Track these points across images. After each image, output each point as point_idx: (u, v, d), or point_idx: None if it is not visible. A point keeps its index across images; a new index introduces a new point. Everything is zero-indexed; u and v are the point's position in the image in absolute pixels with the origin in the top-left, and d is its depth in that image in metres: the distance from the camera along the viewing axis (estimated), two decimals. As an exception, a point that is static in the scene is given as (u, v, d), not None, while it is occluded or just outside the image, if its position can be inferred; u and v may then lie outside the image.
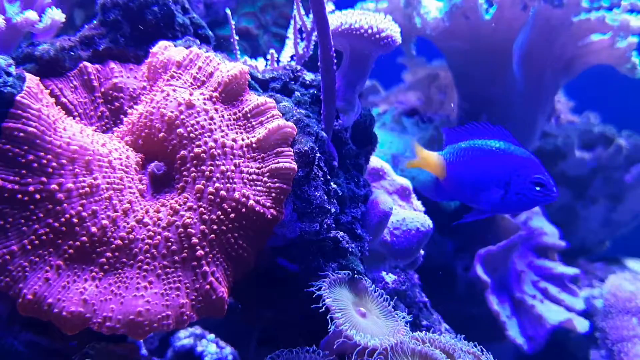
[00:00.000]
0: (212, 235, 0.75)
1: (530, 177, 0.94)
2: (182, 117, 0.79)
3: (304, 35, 1.11)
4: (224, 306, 0.73)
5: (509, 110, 1.87)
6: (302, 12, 1.09)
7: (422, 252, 1.25)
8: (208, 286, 0.73)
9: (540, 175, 0.95)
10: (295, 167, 0.78)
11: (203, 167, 0.77)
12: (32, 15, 0.95)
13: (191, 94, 0.81)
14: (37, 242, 0.69)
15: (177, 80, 0.84)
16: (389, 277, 1.17)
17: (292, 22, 1.12)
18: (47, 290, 0.68)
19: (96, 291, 0.69)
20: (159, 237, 0.74)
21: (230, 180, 0.77)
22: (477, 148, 0.98)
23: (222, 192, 0.76)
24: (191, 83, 0.83)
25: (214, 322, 1.17)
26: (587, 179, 2.15)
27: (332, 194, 0.89)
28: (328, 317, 0.77)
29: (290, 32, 1.13)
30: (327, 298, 0.79)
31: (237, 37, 1.15)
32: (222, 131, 0.79)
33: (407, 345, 0.79)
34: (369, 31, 0.96)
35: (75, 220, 0.70)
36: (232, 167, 0.77)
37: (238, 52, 1.17)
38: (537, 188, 0.94)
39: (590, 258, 2.18)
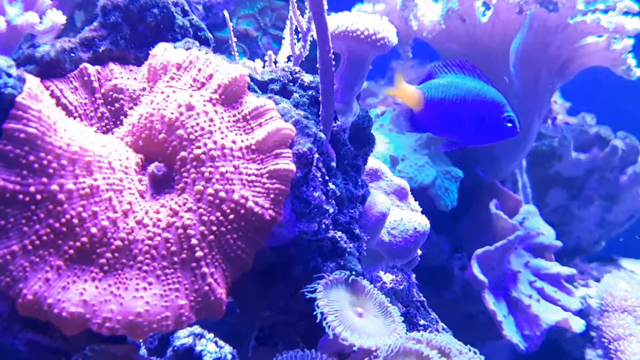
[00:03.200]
0: (211, 236, 0.75)
1: (502, 114, 1.05)
2: (182, 118, 0.80)
3: (300, 35, 1.12)
4: (222, 307, 0.74)
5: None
6: (298, 12, 1.10)
7: (419, 252, 1.26)
8: (207, 287, 0.74)
9: (510, 113, 1.06)
10: (294, 168, 0.79)
11: (203, 169, 0.78)
12: (32, 16, 0.95)
13: (191, 96, 0.82)
14: (37, 242, 0.69)
15: (177, 81, 0.84)
16: (387, 277, 1.18)
17: (287, 22, 1.13)
18: (47, 290, 0.68)
19: (96, 292, 0.70)
20: (158, 237, 0.74)
21: (230, 182, 0.77)
22: (455, 85, 1.06)
23: (222, 194, 0.77)
24: (191, 85, 0.84)
25: (213, 322, 1.18)
26: (582, 179, 2.16)
27: (330, 194, 0.90)
28: (323, 320, 0.77)
29: (286, 33, 1.14)
30: (321, 300, 0.80)
31: (235, 39, 1.16)
32: (222, 133, 0.80)
33: (404, 345, 0.79)
34: (365, 33, 0.97)
35: (75, 220, 0.71)
36: (232, 169, 0.78)
37: (237, 54, 1.17)
38: (509, 125, 1.05)
39: (585, 258, 2.20)
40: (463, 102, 1.05)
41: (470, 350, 0.85)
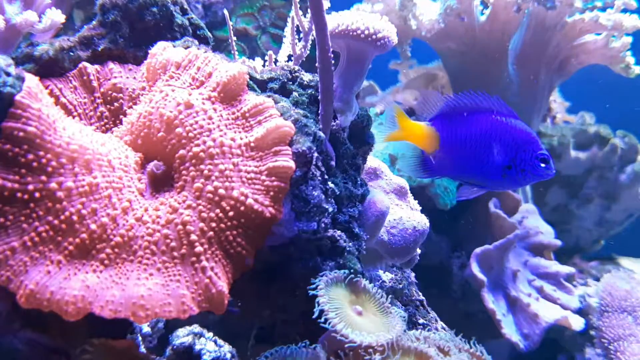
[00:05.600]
0: (211, 233, 0.75)
1: (536, 154, 0.89)
2: (181, 117, 0.80)
3: (301, 35, 1.12)
4: (224, 300, 0.74)
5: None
6: (300, 12, 1.10)
7: (418, 250, 1.26)
8: (207, 280, 0.74)
9: (544, 151, 0.91)
10: (294, 166, 0.79)
11: (202, 166, 0.78)
12: (31, 15, 0.95)
13: (190, 94, 0.82)
14: (37, 239, 0.69)
15: (176, 80, 0.85)
16: (386, 276, 1.18)
17: (289, 21, 1.13)
18: (48, 280, 0.68)
19: (97, 281, 0.70)
20: (158, 234, 0.75)
21: (229, 179, 0.77)
22: (477, 120, 0.90)
23: (221, 191, 0.77)
24: (190, 83, 0.84)
25: (212, 321, 1.18)
26: (581, 178, 2.17)
27: (330, 193, 0.90)
28: (323, 317, 0.78)
29: (287, 32, 1.14)
30: (322, 297, 0.80)
31: (234, 38, 1.15)
32: (221, 130, 0.80)
33: (403, 342, 0.80)
34: (366, 32, 0.97)
35: (75, 218, 0.71)
36: (231, 166, 0.78)
37: (236, 53, 1.17)
38: (542, 165, 0.90)
39: (585, 257, 2.20)
40: (489, 139, 0.89)
41: (473, 345, 0.85)
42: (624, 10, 1.65)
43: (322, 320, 0.77)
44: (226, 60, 0.88)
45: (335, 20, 0.98)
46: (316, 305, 0.79)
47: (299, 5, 1.09)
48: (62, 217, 0.70)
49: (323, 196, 0.87)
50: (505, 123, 0.91)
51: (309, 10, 1.06)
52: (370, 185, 1.22)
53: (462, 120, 0.92)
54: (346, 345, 0.76)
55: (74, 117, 0.89)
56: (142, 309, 0.69)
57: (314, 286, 0.82)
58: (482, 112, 0.91)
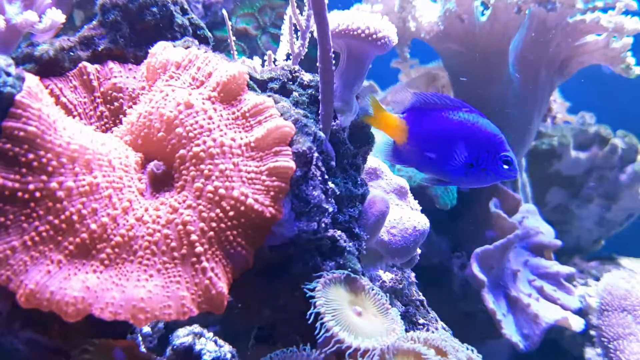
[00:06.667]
0: (211, 233, 0.75)
1: (499, 155, 0.93)
2: (181, 116, 0.80)
3: (299, 33, 1.12)
4: (224, 301, 0.74)
5: (505, 110, 1.89)
6: (297, 10, 1.10)
7: (418, 250, 1.26)
8: (207, 281, 0.74)
9: (507, 153, 0.94)
10: (294, 166, 0.79)
11: (202, 166, 0.78)
12: (32, 15, 0.95)
13: (190, 94, 0.82)
14: (37, 238, 0.69)
15: (176, 80, 0.85)
16: (386, 276, 1.18)
17: (285, 19, 1.13)
18: (48, 280, 0.68)
19: (97, 281, 0.70)
20: (158, 234, 0.75)
21: (229, 179, 0.77)
22: (445, 118, 0.94)
23: (221, 191, 0.77)
24: (190, 83, 0.84)
25: (212, 321, 1.18)
26: (582, 178, 2.17)
27: (330, 193, 0.90)
28: (319, 320, 0.77)
29: (285, 31, 1.14)
30: (319, 299, 0.79)
31: (234, 38, 1.15)
32: (221, 130, 0.80)
33: (401, 345, 0.79)
34: (366, 31, 0.97)
35: (75, 217, 0.71)
36: (231, 166, 0.78)
37: (235, 53, 1.17)
38: (505, 166, 0.94)
39: (585, 257, 2.20)
40: (454, 137, 0.93)
41: (468, 348, 0.85)
42: (625, 12, 1.65)
43: (319, 324, 0.77)
44: (226, 60, 0.88)
45: (335, 20, 0.98)
46: (312, 307, 0.78)
47: (296, 4, 1.09)
48: (63, 216, 0.70)
49: (323, 196, 0.87)
50: (472, 122, 0.94)
51: (305, 8, 1.06)
52: (371, 185, 1.22)
53: (431, 116, 0.96)
54: (343, 349, 0.76)
55: (74, 116, 0.89)
56: (142, 311, 0.69)
57: (310, 287, 0.81)
58: (450, 110, 0.95)
